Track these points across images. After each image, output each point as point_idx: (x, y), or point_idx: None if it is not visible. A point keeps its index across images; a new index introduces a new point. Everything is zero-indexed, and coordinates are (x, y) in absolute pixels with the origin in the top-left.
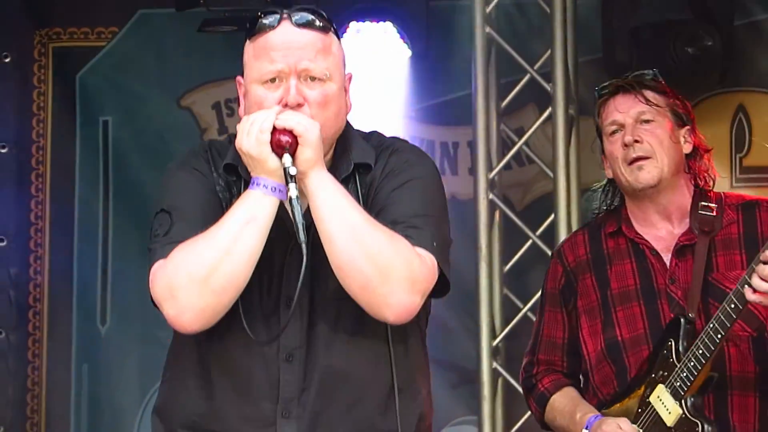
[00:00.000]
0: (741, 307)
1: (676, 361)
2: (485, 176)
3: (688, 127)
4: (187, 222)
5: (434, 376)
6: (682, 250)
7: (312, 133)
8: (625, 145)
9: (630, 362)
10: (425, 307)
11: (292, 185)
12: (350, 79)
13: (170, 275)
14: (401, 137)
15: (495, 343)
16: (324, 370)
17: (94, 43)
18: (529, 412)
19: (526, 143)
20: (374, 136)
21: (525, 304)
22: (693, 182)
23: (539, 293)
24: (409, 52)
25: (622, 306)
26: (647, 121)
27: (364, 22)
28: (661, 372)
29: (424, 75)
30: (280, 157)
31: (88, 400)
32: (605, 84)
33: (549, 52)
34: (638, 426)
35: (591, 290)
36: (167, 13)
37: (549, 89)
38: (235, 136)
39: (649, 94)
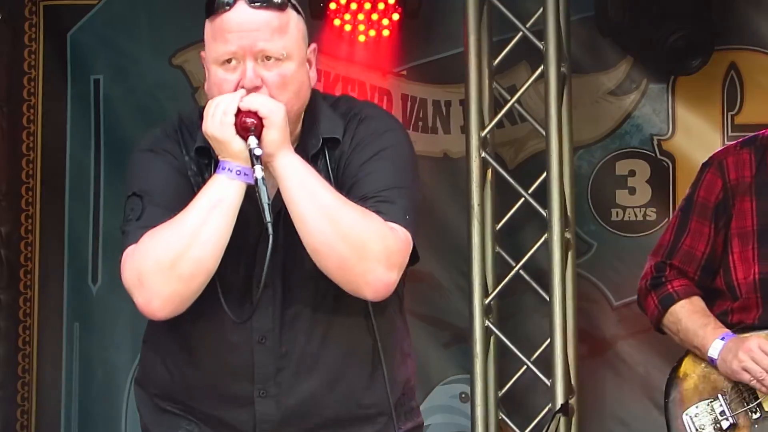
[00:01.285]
0: None
1: None
2: (477, 134)
3: None
4: (158, 206)
5: (427, 336)
6: None
7: (277, 114)
8: None
9: None
10: (401, 276)
11: (257, 167)
12: (314, 51)
13: (138, 262)
14: (374, 102)
15: (487, 301)
16: (301, 350)
17: (86, 2)
18: (522, 370)
19: (518, 101)
20: (343, 101)
21: (517, 262)
22: None
23: (677, 203)
24: (401, 11)
25: None
26: None
27: None
28: None
29: (416, 34)
30: (246, 139)
31: (80, 360)
32: None
33: (541, 10)
34: None
35: (749, 215)
36: None
37: (541, 47)
38: (191, 128)
39: None
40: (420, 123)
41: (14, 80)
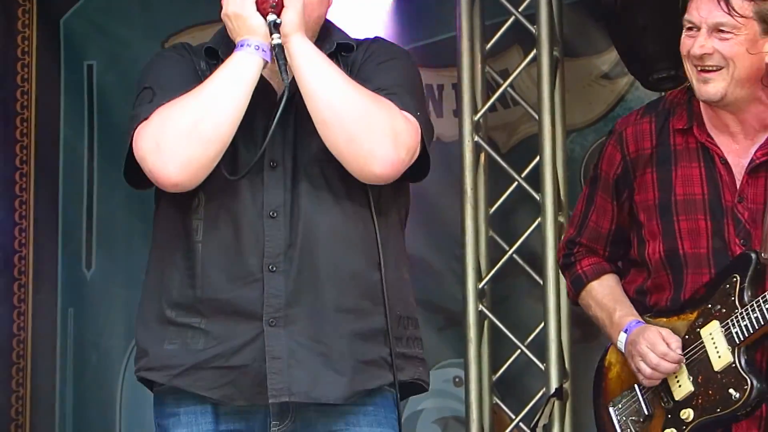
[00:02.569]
0: None
1: (738, 303)
2: (470, 118)
3: None
4: (170, 92)
5: (420, 320)
6: (757, 167)
7: (296, 1)
8: (691, 52)
9: (687, 280)
10: (406, 196)
11: (275, 35)
12: None
13: (156, 128)
14: None
15: (481, 285)
16: (307, 227)
17: None
18: (516, 354)
19: (510, 85)
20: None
21: (511, 246)
22: None
23: (587, 179)
24: None
25: (686, 216)
26: (723, 32)
27: None
28: (719, 307)
29: (408, 17)
30: (265, 17)
31: (74, 345)
32: None
33: None
34: (683, 355)
35: (650, 187)
36: None
37: (534, 31)
38: (202, 45)
39: (736, 2)
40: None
41: (8, 66)
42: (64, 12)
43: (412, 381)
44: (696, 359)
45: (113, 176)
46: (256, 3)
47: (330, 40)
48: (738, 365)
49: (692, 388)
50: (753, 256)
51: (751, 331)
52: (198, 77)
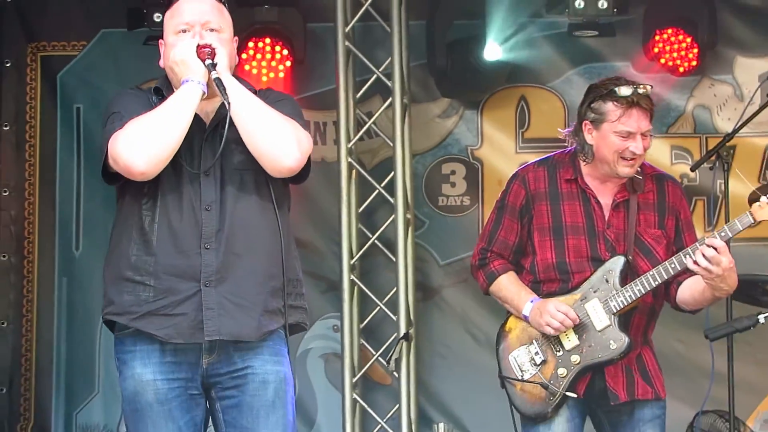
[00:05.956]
0: (679, 268)
1: (613, 287)
2: (345, 145)
3: None
4: (134, 113)
5: (309, 285)
6: (617, 205)
7: (222, 48)
8: (631, 150)
9: (574, 277)
10: (289, 194)
11: (214, 72)
12: (236, 41)
13: (128, 134)
14: None
15: (352, 261)
16: (231, 217)
17: (70, 53)
18: (376, 310)
19: (374, 122)
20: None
21: (373, 234)
22: None
23: (484, 194)
24: (291, 59)
25: (573, 236)
26: (645, 135)
27: (260, 38)
28: (599, 289)
29: (302, 75)
30: (203, 62)
31: (66, 304)
32: (628, 94)
33: (390, 58)
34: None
35: (545, 216)
36: (122, 31)
37: (390, 85)
38: (149, 88)
39: (650, 114)
40: None
41: (19, 107)
42: (59, 70)
43: (296, 323)
44: (581, 324)
45: (95, 185)
46: (196, 52)
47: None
48: (615, 326)
49: (578, 342)
50: (623, 258)
51: (624, 305)
52: (151, 106)
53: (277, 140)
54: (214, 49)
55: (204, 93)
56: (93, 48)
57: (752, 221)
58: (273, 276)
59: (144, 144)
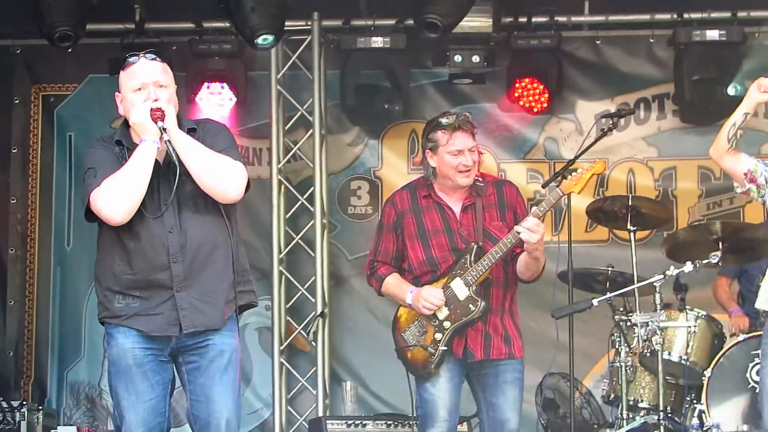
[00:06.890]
0: (514, 241)
1: (469, 267)
2: (276, 166)
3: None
4: (105, 169)
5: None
6: (465, 207)
7: (170, 110)
8: (462, 164)
9: (441, 267)
10: (235, 206)
11: (165, 135)
12: (175, 89)
13: (104, 193)
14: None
15: (280, 256)
16: (190, 235)
17: (65, 93)
18: (298, 294)
19: (298, 149)
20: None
21: (297, 235)
22: None
23: (377, 227)
24: (235, 99)
25: (435, 237)
26: (472, 150)
27: (212, 82)
28: (459, 271)
29: (244, 111)
30: (156, 122)
31: (60, 286)
32: (451, 122)
33: (311, 99)
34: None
35: (412, 225)
36: (105, 76)
37: (311, 120)
38: (112, 136)
39: (471, 134)
40: (245, 160)
41: (25, 135)
42: (56, 106)
43: (247, 303)
44: (449, 298)
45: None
46: (150, 115)
47: (183, 125)
48: (472, 294)
49: (448, 312)
50: (475, 245)
51: (478, 277)
52: (116, 157)
53: (220, 179)
54: (163, 111)
55: (158, 148)
56: (82, 89)
57: (561, 193)
58: (227, 274)
59: (118, 199)
